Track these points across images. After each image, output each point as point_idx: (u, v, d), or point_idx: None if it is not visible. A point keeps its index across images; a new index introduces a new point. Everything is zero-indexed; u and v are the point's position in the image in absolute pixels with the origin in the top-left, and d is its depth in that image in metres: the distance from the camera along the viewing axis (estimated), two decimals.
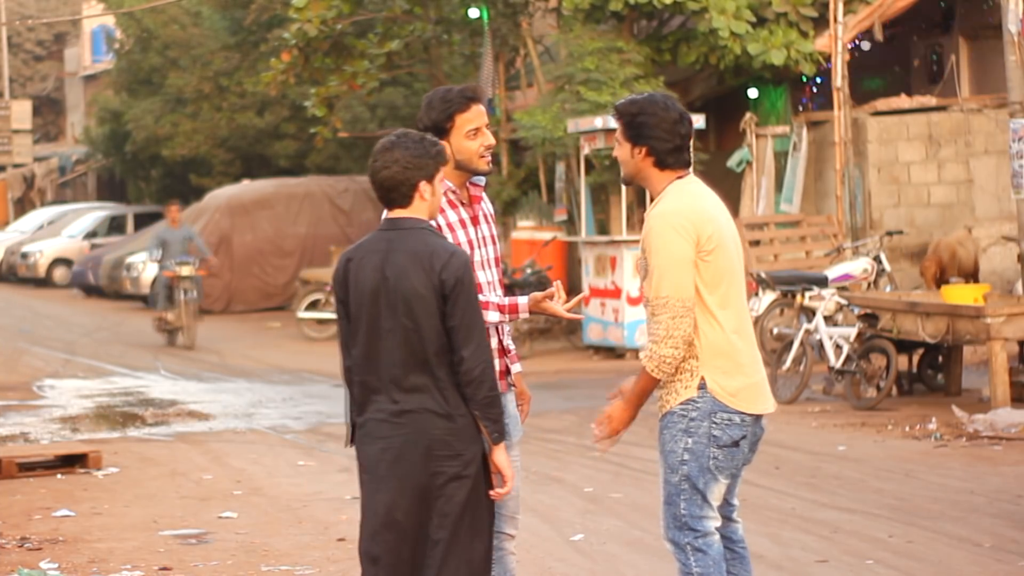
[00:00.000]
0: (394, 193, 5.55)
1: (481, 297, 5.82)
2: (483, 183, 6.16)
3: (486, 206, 6.16)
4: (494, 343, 5.95)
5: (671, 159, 5.84)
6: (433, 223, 5.69)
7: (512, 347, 6.18)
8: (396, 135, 5.60)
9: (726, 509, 5.95)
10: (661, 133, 5.81)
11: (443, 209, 5.93)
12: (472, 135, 5.95)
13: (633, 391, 5.82)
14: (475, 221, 6.06)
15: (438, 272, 5.43)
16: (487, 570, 5.59)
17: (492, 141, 6.04)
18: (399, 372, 5.46)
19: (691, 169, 5.94)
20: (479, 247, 6.06)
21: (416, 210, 5.56)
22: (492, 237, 6.14)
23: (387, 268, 5.49)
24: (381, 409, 5.50)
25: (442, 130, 5.90)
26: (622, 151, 5.90)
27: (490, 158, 6.04)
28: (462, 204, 6.02)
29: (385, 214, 5.70)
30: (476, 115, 5.97)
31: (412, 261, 5.46)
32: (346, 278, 5.57)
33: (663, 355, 5.69)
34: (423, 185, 5.54)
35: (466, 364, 5.43)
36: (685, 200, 5.79)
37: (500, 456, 5.54)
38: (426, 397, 5.46)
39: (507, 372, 6.09)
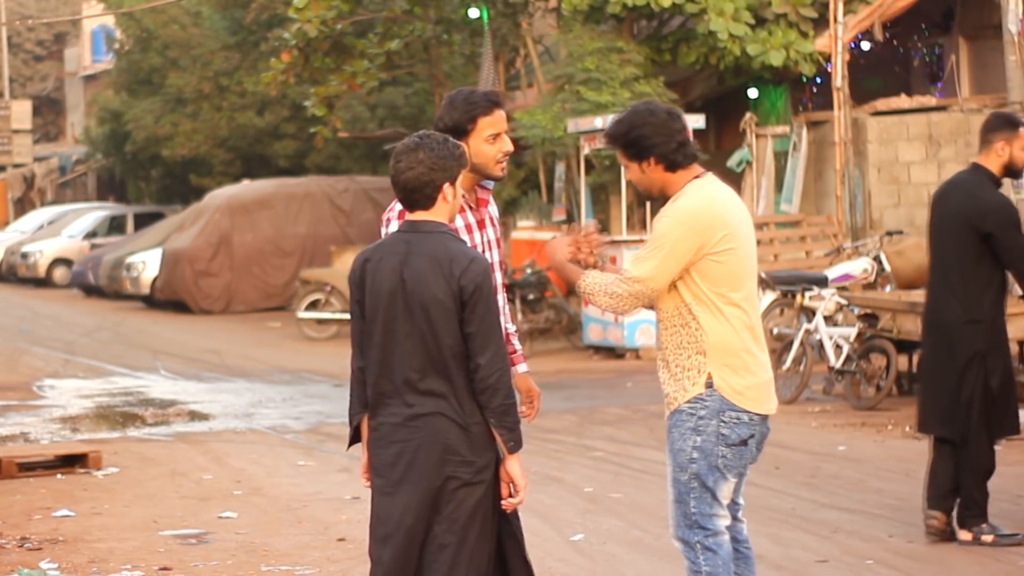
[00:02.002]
0: (418, 194, 5.44)
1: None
2: (491, 186, 6.11)
3: (492, 209, 6.12)
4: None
5: (679, 157, 5.83)
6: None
7: (519, 347, 6.15)
8: (419, 136, 5.48)
9: (732, 508, 5.96)
10: (659, 139, 5.80)
11: None
12: (491, 140, 5.86)
13: (565, 268, 5.97)
14: (481, 225, 6.01)
15: (457, 278, 5.35)
16: None
17: (510, 147, 5.95)
18: (415, 376, 5.38)
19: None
20: (484, 251, 6.03)
21: (438, 212, 5.47)
22: (497, 240, 6.09)
23: (405, 271, 5.40)
24: (395, 413, 5.42)
25: (462, 132, 5.79)
26: (632, 172, 5.91)
27: (505, 164, 5.99)
28: (470, 208, 5.96)
29: (400, 215, 5.61)
30: (498, 120, 5.88)
31: (431, 265, 5.38)
32: (363, 278, 5.47)
33: (596, 299, 5.84)
34: (447, 187, 5.45)
35: (482, 371, 5.35)
36: (702, 201, 5.78)
37: (513, 466, 5.46)
38: (442, 402, 5.39)
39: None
